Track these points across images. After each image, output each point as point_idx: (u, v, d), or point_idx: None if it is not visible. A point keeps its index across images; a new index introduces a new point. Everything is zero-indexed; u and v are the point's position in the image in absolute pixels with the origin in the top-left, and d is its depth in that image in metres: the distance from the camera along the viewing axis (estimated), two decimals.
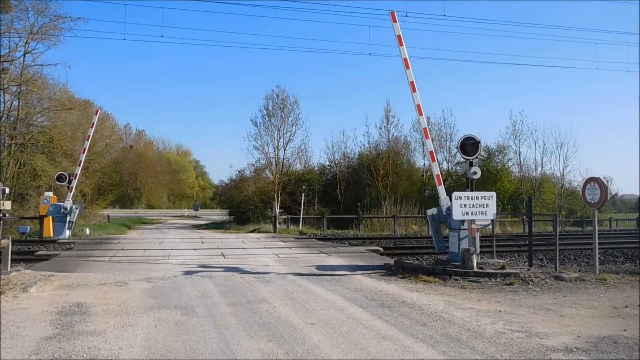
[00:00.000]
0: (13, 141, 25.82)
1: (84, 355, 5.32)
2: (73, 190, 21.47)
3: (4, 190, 14.63)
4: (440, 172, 38.13)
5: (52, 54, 63.86)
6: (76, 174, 22.10)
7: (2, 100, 26.37)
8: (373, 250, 16.19)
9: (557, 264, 11.23)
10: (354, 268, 12.25)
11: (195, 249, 16.45)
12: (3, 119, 26.06)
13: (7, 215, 19.54)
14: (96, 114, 24.57)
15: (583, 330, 6.48)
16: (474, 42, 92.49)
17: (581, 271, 11.37)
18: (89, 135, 22.74)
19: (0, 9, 24.07)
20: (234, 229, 33.01)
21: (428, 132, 13.66)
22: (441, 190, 12.67)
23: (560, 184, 38.13)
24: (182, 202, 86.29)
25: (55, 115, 27.92)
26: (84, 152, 22.36)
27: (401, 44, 13.02)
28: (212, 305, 7.85)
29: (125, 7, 49.63)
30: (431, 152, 13.39)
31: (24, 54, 26.33)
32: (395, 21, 13.14)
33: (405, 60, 13.00)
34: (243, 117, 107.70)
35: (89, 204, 34.38)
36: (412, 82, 13.02)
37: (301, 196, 31.48)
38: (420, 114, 13.44)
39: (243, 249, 16.81)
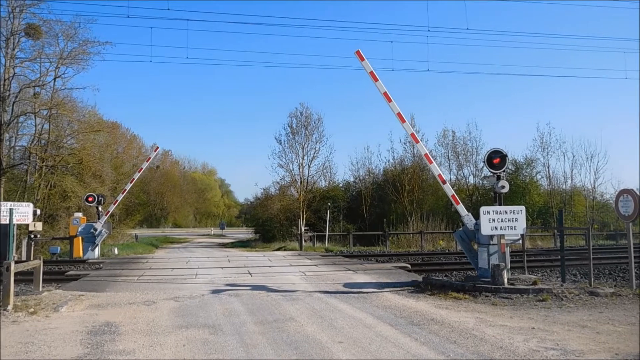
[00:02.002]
0: (44, 163, 26.40)
1: None
2: (109, 214, 22.08)
3: (35, 211, 15.01)
4: (467, 186, 38.03)
5: (81, 77, 65.85)
6: (116, 200, 22.90)
7: (33, 124, 27.13)
8: (400, 267, 16.01)
9: (592, 279, 10.92)
10: (381, 285, 12.12)
11: (222, 268, 16.49)
12: (34, 142, 26.73)
13: (39, 236, 19.97)
14: (155, 150, 25.61)
15: (621, 347, 6.25)
16: (498, 55, 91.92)
17: (617, 286, 11.03)
18: (142, 168, 23.81)
19: (32, 35, 24.84)
20: (259, 247, 33.04)
21: (430, 157, 13.47)
22: (460, 209, 12.54)
23: (591, 197, 37.26)
24: (208, 220, 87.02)
25: (84, 137, 28.50)
26: (131, 182, 23.24)
27: (376, 80, 13.00)
28: (240, 323, 7.82)
29: (152, 30, 50.87)
30: (439, 176, 13.13)
31: (54, 79, 27.05)
32: (362, 59, 13.15)
33: (385, 94, 12.99)
34: (267, 135, 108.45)
35: (117, 224, 34.91)
36: (398, 114, 13.07)
37: (326, 213, 31.40)
38: (417, 141, 13.52)
39: (269, 267, 16.80)
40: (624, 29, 78.57)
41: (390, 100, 12.86)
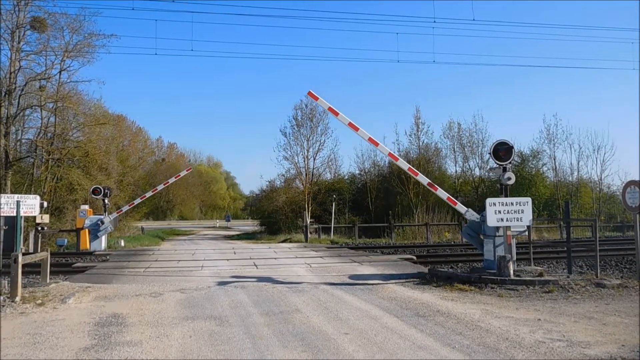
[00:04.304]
0: (50, 156, 26.50)
1: None
2: (121, 212, 22.61)
3: (42, 204, 15.07)
4: (473, 178, 37.95)
5: (86, 70, 65.77)
6: (132, 203, 23.44)
7: (39, 117, 27.23)
8: (406, 259, 16.01)
9: (598, 271, 10.88)
10: (386, 277, 12.13)
11: (227, 260, 16.54)
12: (41, 135, 26.83)
13: (46, 228, 20.10)
14: (187, 170, 26.45)
15: (628, 339, 6.24)
16: (505, 46, 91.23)
17: (623, 278, 11.01)
18: (168, 182, 25.29)
19: (38, 28, 24.87)
20: (265, 239, 33.12)
21: (415, 170, 13.43)
22: (459, 207, 12.65)
23: (598, 189, 37.07)
24: (213, 213, 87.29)
25: (90, 130, 28.58)
26: (153, 191, 24.01)
27: (336, 114, 13.00)
28: (246, 315, 7.85)
29: (156, 23, 50.75)
30: (429, 184, 13.12)
31: (60, 72, 27.09)
32: (317, 99, 13.14)
33: (350, 124, 13.03)
34: (273, 128, 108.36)
35: (124, 216, 35.08)
36: (370, 139, 13.19)
37: (332, 205, 31.43)
38: (396, 159, 13.57)
39: (275, 259, 16.83)
40: (632, 19, 77.77)
41: (357, 129, 12.94)
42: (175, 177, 26.04)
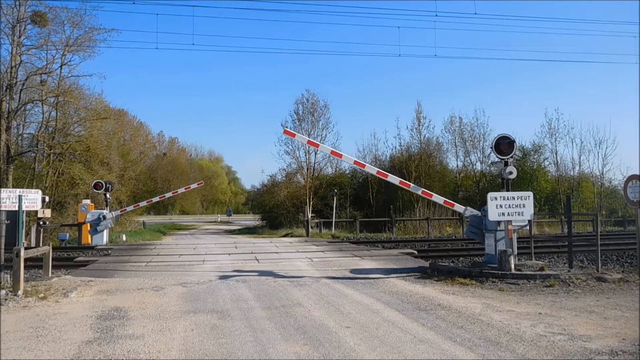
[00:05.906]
0: (52, 151, 26.52)
1: (124, 358, 5.40)
2: (125, 211, 22.92)
3: (44, 198, 15.09)
4: (474, 173, 37.94)
5: (87, 65, 65.88)
6: (137, 205, 23.84)
7: (41, 112, 27.24)
8: (407, 253, 16.03)
9: (599, 265, 10.89)
10: (388, 271, 12.15)
11: (229, 254, 16.57)
12: (42, 129, 26.83)
13: (48, 222, 20.13)
14: (198, 184, 27.17)
15: (629, 332, 6.25)
16: (506, 40, 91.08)
17: (624, 272, 11.01)
18: (177, 191, 27.27)
19: (38, 23, 24.84)
20: (266, 233, 33.15)
21: (406, 182, 13.77)
22: (457, 208, 12.87)
23: (599, 183, 37.00)
24: (215, 207, 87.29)
25: (91, 125, 28.54)
26: (160, 198, 24.77)
27: (317, 146, 13.52)
28: (247, 309, 7.88)
29: (157, 17, 50.80)
30: (423, 192, 13.32)
31: (61, 66, 27.07)
32: (293, 135, 13.83)
33: (333, 152, 14.33)
34: (274, 122, 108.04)
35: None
36: (355, 162, 14.23)
37: (333, 200, 31.43)
38: (385, 176, 13.73)
39: (276, 253, 16.86)
40: (633, 13, 77.43)
41: (340, 156, 13.76)
42: (185, 189, 26.86)
